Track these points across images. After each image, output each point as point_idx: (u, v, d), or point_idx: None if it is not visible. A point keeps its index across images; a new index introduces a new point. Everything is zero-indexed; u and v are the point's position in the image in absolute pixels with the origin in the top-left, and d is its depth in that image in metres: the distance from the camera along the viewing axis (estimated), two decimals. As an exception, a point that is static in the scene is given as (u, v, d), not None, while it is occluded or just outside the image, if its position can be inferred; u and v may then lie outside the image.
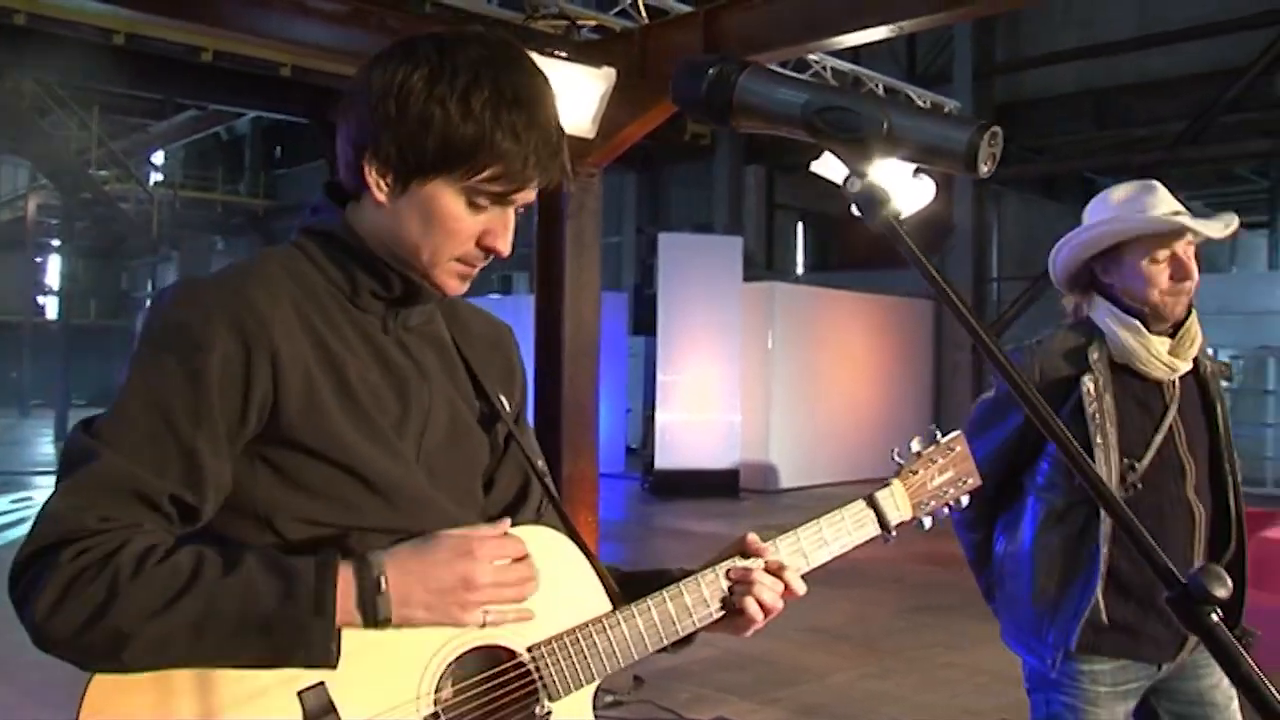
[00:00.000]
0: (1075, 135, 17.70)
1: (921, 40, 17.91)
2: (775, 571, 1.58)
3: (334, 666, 1.29)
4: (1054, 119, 17.34)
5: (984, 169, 1.01)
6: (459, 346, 1.58)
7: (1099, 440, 2.42)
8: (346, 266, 1.45)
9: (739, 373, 14.33)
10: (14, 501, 12.67)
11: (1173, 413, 2.50)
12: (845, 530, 1.69)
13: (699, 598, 1.55)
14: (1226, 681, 2.47)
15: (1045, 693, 2.53)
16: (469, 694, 1.41)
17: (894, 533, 1.74)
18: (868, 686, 6.02)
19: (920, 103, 10.80)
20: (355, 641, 1.31)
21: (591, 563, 1.52)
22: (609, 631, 1.49)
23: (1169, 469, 2.48)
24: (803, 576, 1.61)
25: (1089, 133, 17.42)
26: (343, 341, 1.41)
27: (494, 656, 1.43)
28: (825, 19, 5.48)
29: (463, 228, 1.41)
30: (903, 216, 1.01)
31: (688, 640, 1.57)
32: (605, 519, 7.89)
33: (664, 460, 14.15)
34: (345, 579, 1.30)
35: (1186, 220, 2.41)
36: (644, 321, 16.38)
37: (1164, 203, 2.46)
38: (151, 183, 30.09)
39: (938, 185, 7.63)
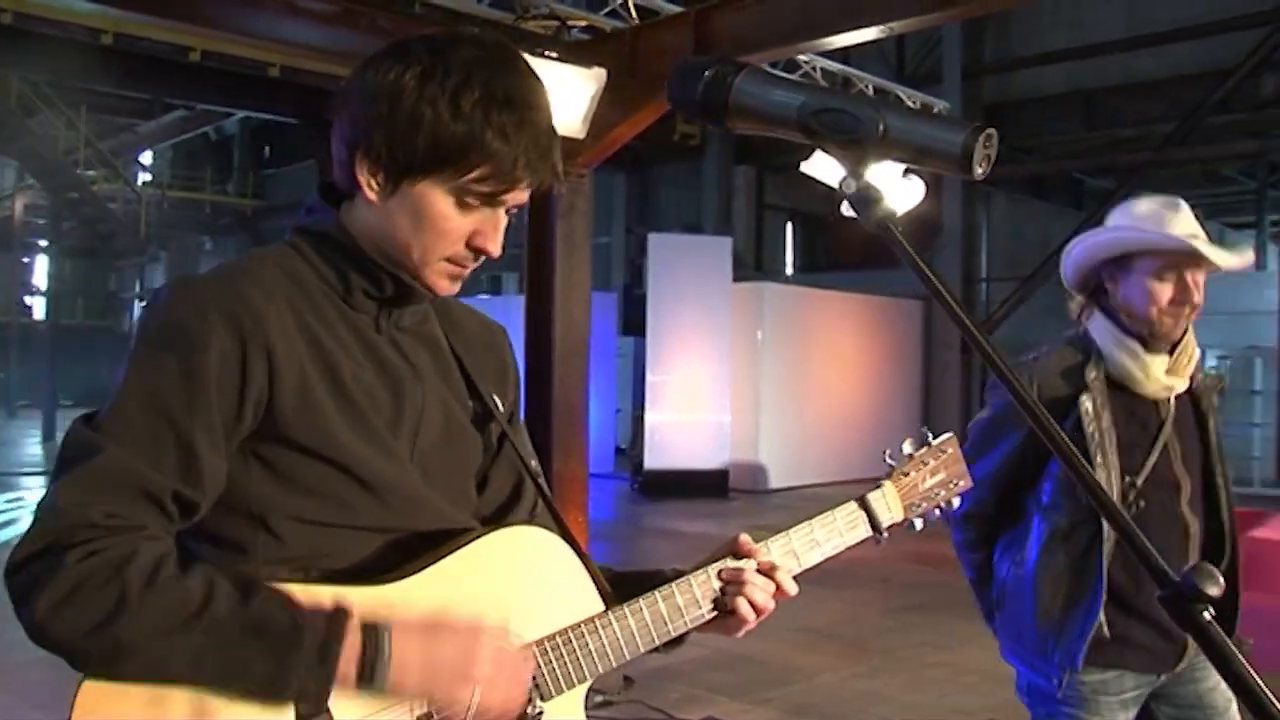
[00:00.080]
0: (1064, 136, 17.77)
1: (911, 41, 17.94)
2: (767, 572, 1.58)
3: (321, 715, 1.28)
4: (1043, 119, 17.39)
5: (979, 171, 1.02)
6: (453, 347, 1.58)
7: (1099, 459, 2.42)
8: (339, 266, 1.45)
9: (728, 373, 14.35)
10: (4, 502, 12.62)
11: (1168, 429, 2.52)
12: (837, 531, 1.69)
13: (691, 598, 1.55)
14: (1224, 684, 2.48)
15: (1047, 706, 2.54)
16: (462, 694, 1.40)
17: (885, 534, 1.74)
18: (857, 686, 6.04)
19: (910, 103, 10.81)
20: None
21: (584, 563, 1.52)
22: (601, 631, 1.49)
23: (1164, 484, 2.50)
24: (793, 577, 1.62)
25: (1078, 133, 17.48)
26: (337, 340, 1.42)
27: (487, 657, 1.43)
28: (816, 20, 5.49)
29: (453, 228, 1.41)
30: (897, 217, 1.02)
31: (679, 640, 1.57)
32: (594, 519, 7.89)
33: (653, 460, 14.15)
34: (352, 645, 1.28)
35: (1199, 244, 2.39)
36: (633, 322, 16.40)
37: (1184, 223, 2.44)
38: (139, 183, 29.91)
39: (926, 185, 7.65)
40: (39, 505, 1.27)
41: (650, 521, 12.32)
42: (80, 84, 19.82)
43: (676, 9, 6.85)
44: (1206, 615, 0.94)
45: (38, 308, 33.14)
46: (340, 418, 1.38)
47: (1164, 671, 2.51)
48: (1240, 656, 0.93)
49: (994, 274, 17.93)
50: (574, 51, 6.07)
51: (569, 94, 5.51)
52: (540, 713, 1.44)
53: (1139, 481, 2.46)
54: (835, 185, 1.04)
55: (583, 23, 6.56)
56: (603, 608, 1.51)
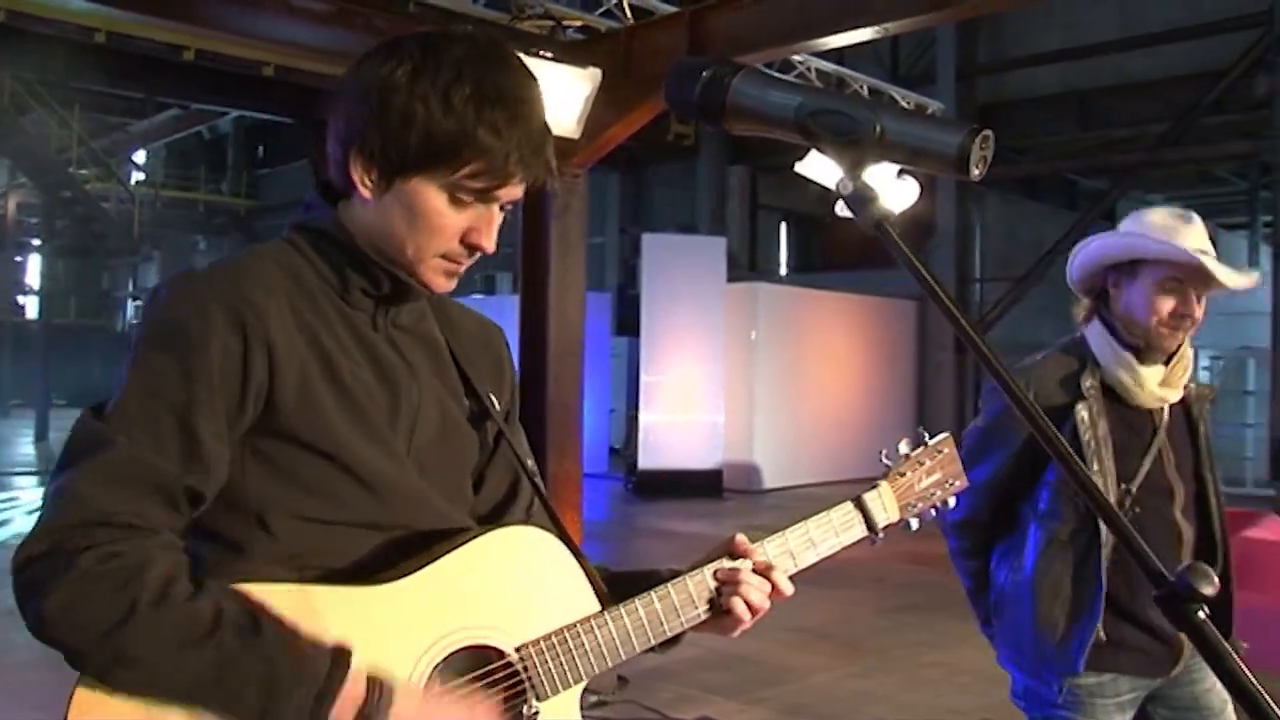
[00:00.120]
0: (1057, 136, 17.79)
1: (905, 41, 17.95)
2: (763, 572, 1.58)
3: None
4: (1036, 120, 17.41)
5: (975, 172, 1.02)
6: (450, 345, 1.58)
7: (1095, 467, 2.43)
8: (337, 263, 1.45)
9: (722, 373, 14.35)
10: (-3, 501, 12.61)
11: (1161, 436, 2.53)
12: (833, 532, 1.69)
13: (687, 598, 1.55)
14: (1220, 685, 2.49)
15: (1044, 710, 2.54)
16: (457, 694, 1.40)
17: (881, 534, 1.75)
18: (851, 686, 6.04)
19: (904, 104, 10.83)
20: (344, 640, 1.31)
21: (580, 563, 1.53)
22: (597, 631, 1.49)
23: (1158, 491, 2.51)
24: (789, 577, 1.62)
25: (1071, 134, 17.50)
26: (335, 337, 1.42)
27: (482, 656, 1.43)
28: (811, 20, 5.48)
29: (446, 224, 1.41)
30: (893, 218, 1.02)
31: (675, 640, 1.57)
32: (589, 519, 7.90)
33: (647, 460, 14.15)
34: (355, 693, 1.28)
35: (1206, 260, 2.38)
36: (627, 322, 16.40)
37: (1194, 237, 2.44)
38: (133, 182, 29.86)
39: (920, 186, 7.65)
40: (48, 496, 1.26)
41: (644, 522, 12.32)
42: (73, 82, 19.78)
43: (671, 9, 6.85)
44: (1201, 614, 0.94)
45: (30, 307, 33.02)
46: (339, 414, 1.38)
47: (1159, 676, 2.52)
48: (1235, 655, 0.94)
49: (987, 274, 17.93)
50: (569, 51, 6.07)
51: (564, 94, 5.50)
52: (536, 713, 1.44)
53: (1134, 488, 2.47)
54: (830, 185, 1.04)
55: (578, 23, 6.56)
56: (599, 607, 1.51)
